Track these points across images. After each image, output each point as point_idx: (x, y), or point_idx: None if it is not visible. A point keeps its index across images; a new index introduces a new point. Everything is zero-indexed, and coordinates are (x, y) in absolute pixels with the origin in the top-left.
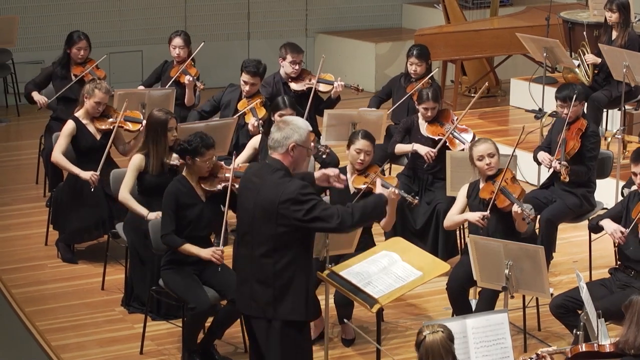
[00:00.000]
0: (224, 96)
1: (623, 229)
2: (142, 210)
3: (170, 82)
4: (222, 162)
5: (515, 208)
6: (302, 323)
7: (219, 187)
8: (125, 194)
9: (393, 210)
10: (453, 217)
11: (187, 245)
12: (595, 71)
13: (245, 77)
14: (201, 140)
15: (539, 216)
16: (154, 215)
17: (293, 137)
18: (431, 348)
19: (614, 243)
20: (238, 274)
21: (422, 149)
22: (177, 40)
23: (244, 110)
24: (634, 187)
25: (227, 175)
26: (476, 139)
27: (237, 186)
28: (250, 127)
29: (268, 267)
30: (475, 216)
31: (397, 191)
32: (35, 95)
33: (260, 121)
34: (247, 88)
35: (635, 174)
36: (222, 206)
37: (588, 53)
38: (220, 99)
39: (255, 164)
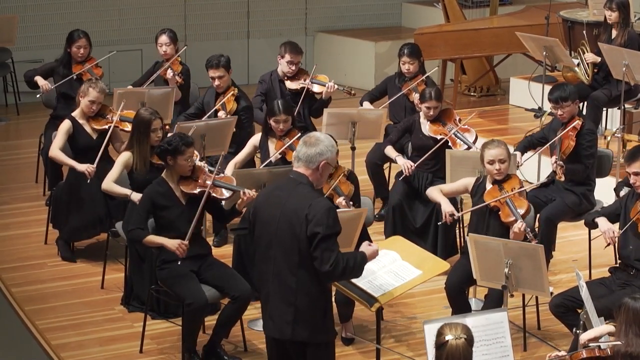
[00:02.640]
0: (205, 98)
1: (616, 230)
2: (124, 191)
3: (153, 78)
4: (205, 168)
5: (520, 225)
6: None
7: (196, 190)
8: (108, 183)
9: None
10: (437, 193)
11: (151, 237)
12: (595, 70)
13: (210, 73)
14: (180, 139)
15: (538, 215)
16: (138, 197)
17: (326, 155)
18: (452, 355)
19: (606, 242)
20: (261, 292)
21: (401, 161)
22: (163, 38)
23: (216, 107)
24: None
25: (207, 182)
26: (490, 140)
27: (213, 194)
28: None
29: (290, 285)
30: (447, 208)
31: (344, 202)
32: (40, 79)
33: (228, 114)
34: (216, 83)
35: (630, 174)
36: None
37: (587, 52)
38: (202, 102)
39: (275, 183)
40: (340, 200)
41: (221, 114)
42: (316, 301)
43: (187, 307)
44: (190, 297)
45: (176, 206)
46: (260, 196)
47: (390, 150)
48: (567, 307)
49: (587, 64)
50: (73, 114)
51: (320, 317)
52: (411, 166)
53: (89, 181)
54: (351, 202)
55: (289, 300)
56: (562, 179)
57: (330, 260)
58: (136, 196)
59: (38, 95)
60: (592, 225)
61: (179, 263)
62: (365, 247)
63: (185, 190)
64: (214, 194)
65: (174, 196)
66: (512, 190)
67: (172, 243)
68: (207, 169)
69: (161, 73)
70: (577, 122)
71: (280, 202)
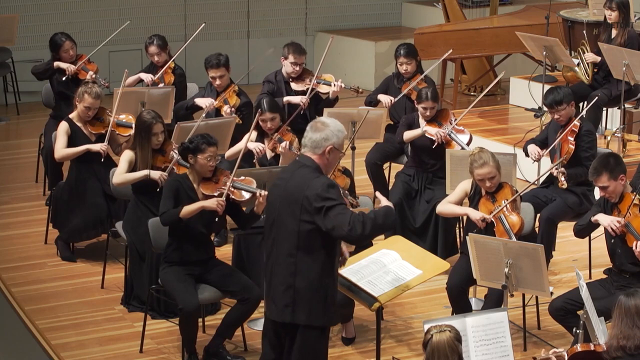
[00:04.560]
0: (204, 96)
1: (619, 219)
2: (141, 173)
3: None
4: (227, 171)
5: None
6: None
7: (216, 193)
8: (119, 176)
9: None
10: (451, 206)
11: (186, 207)
12: (595, 70)
13: (211, 73)
14: (202, 138)
15: (538, 215)
16: (158, 174)
17: (332, 139)
18: (437, 347)
19: (609, 239)
20: (265, 274)
21: (433, 130)
22: (153, 48)
23: (217, 104)
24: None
25: (227, 183)
26: (475, 151)
27: (232, 196)
28: (223, 114)
29: (290, 267)
30: (476, 216)
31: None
32: (62, 63)
33: (233, 108)
34: (217, 82)
35: (600, 188)
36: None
37: (588, 52)
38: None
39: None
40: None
41: (226, 108)
42: (315, 284)
43: (179, 311)
44: (182, 301)
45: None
46: (273, 179)
47: (411, 132)
48: (567, 310)
49: (587, 63)
50: (70, 116)
51: (320, 301)
52: (444, 134)
53: (102, 160)
54: (347, 193)
55: (288, 282)
56: (565, 186)
57: (346, 221)
58: (156, 173)
59: (64, 78)
60: (588, 227)
61: (217, 219)
62: (385, 201)
63: (205, 192)
64: (233, 197)
65: (196, 195)
66: (503, 203)
67: (210, 202)
68: (227, 172)
69: (156, 81)
70: (575, 124)
71: (283, 183)
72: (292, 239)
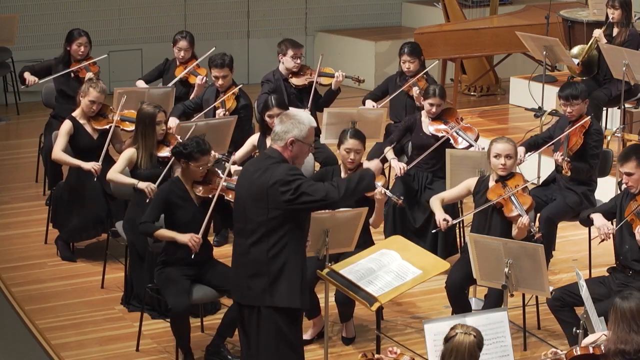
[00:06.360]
0: (205, 95)
1: (611, 226)
2: (131, 180)
3: (174, 80)
4: (219, 171)
5: (524, 220)
6: (293, 311)
7: (210, 195)
8: (112, 173)
9: (381, 209)
10: (436, 203)
11: (162, 230)
12: (587, 56)
13: (214, 72)
14: (197, 146)
15: (538, 214)
16: (145, 185)
17: (292, 132)
18: (457, 348)
19: (600, 238)
20: (233, 262)
21: (394, 163)
22: (183, 43)
23: (215, 105)
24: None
25: (220, 184)
26: (499, 136)
27: (226, 198)
28: (216, 116)
29: (262, 255)
30: (440, 216)
31: (382, 190)
32: (28, 75)
33: (227, 112)
34: (219, 82)
35: (622, 174)
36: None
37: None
38: (201, 98)
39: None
40: (378, 189)
41: (220, 112)
42: (289, 269)
43: (169, 312)
44: (172, 301)
45: (191, 207)
46: (240, 172)
47: (388, 153)
48: (565, 302)
49: (591, 43)
50: (74, 114)
51: (296, 283)
52: (403, 167)
53: (95, 179)
54: (390, 193)
55: (262, 270)
56: (569, 173)
57: (318, 191)
58: (143, 184)
59: (22, 87)
60: (586, 221)
61: (193, 257)
62: (366, 164)
63: (198, 194)
64: (227, 198)
65: (189, 197)
66: (515, 187)
67: (184, 236)
68: (219, 172)
69: (185, 77)
70: (586, 121)
71: (249, 176)
72: (260, 228)
